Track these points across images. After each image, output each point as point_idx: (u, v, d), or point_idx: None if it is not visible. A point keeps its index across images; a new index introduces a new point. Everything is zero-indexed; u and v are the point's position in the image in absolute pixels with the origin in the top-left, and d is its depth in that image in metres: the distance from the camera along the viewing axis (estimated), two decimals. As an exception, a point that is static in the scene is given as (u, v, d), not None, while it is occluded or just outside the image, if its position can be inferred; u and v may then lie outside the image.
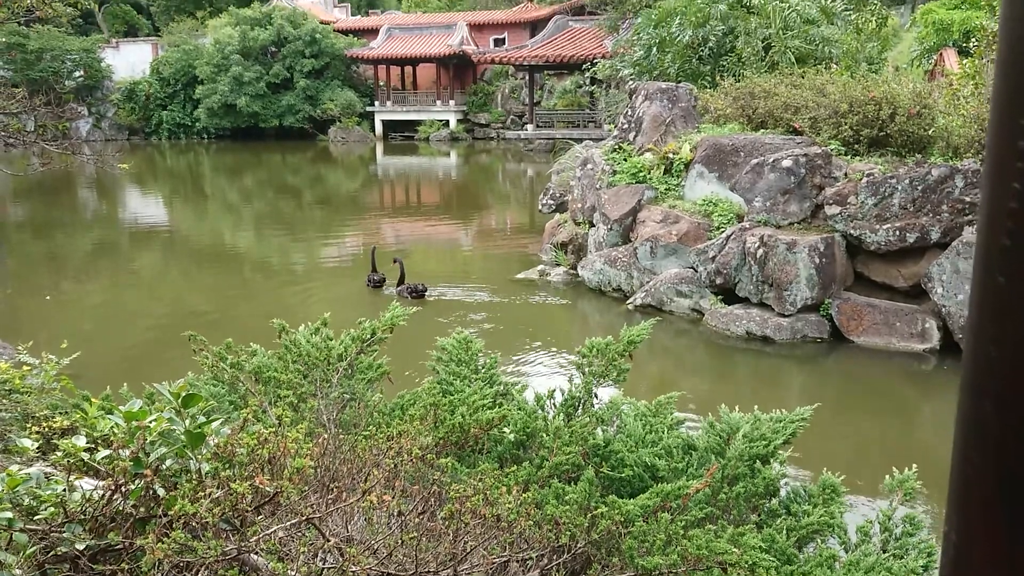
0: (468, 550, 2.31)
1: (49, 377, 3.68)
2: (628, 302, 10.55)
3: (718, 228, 10.25)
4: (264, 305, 11.41)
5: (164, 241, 17.95)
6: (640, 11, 20.79)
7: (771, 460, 3.27)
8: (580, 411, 3.67)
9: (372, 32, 43.19)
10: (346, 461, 2.61)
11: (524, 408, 3.60)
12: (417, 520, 2.40)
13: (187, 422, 2.33)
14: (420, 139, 40.68)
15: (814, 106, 10.67)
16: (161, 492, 2.25)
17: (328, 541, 2.21)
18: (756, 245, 9.40)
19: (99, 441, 2.45)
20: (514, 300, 11.25)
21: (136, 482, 2.23)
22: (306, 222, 20.09)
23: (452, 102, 41.25)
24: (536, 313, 10.87)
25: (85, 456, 2.33)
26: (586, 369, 3.75)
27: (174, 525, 2.08)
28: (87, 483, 2.35)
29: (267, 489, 2.18)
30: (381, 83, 42.64)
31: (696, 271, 10.08)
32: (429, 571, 2.22)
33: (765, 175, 9.95)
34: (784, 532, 2.96)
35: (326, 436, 2.71)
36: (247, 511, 2.20)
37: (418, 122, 41.54)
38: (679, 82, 14.06)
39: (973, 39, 13.23)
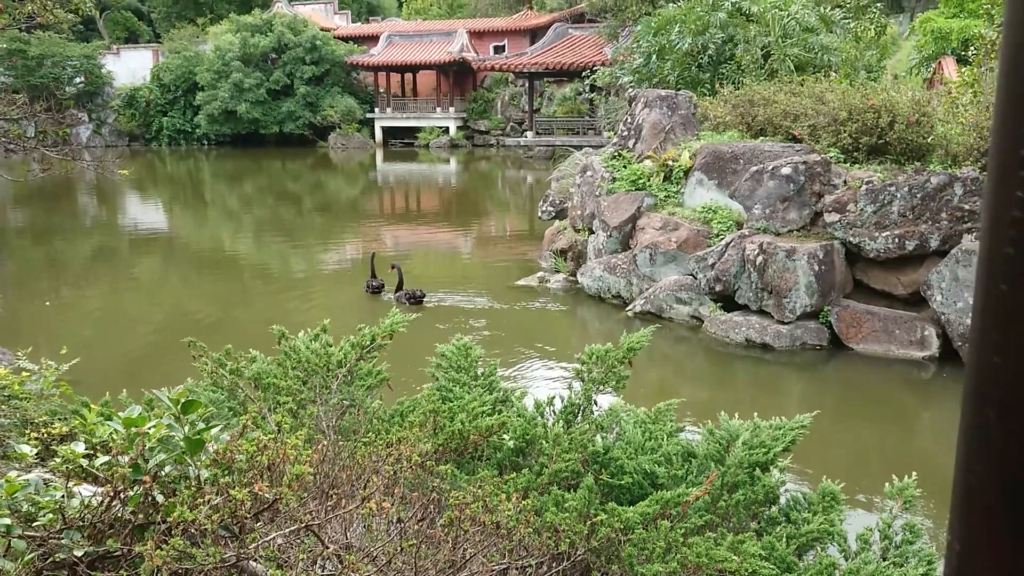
0: (467, 557, 2.31)
1: (48, 383, 3.68)
2: (627, 309, 10.55)
3: (717, 235, 10.26)
4: (263, 311, 11.40)
5: (164, 247, 17.96)
6: (640, 19, 20.86)
7: (771, 467, 3.27)
8: (580, 418, 3.67)
9: (372, 39, 43.30)
10: (345, 468, 2.60)
11: (524, 415, 3.60)
12: (416, 527, 2.39)
13: (186, 428, 2.33)
14: (420, 146, 40.77)
15: (813, 114, 10.69)
16: (160, 499, 2.24)
17: (327, 548, 2.20)
18: (755, 252, 9.41)
19: (98, 447, 2.45)
20: (513, 307, 11.25)
21: (135, 488, 2.22)
22: (306, 228, 20.10)
23: (452, 109, 41.35)
24: (535, 320, 10.86)
25: (84, 462, 2.32)
26: (585, 376, 3.75)
27: (173, 532, 2.07)
28: (86, 489, 2.34)
29: (266, 496, 2.18)
30: (381, 90, 42.76)
31: (695, 278, 10.08)
32: (428, 578, 2.21)
33: (764, 182, 9.97)
34: (784, 540, 2.96)
35: (325, 443, 2.71)
36: (246, 518, 2.19)
37: (418, 129, 41.66)
38: (679, 89, 14.10)
39: (972, 47, 13.27)
